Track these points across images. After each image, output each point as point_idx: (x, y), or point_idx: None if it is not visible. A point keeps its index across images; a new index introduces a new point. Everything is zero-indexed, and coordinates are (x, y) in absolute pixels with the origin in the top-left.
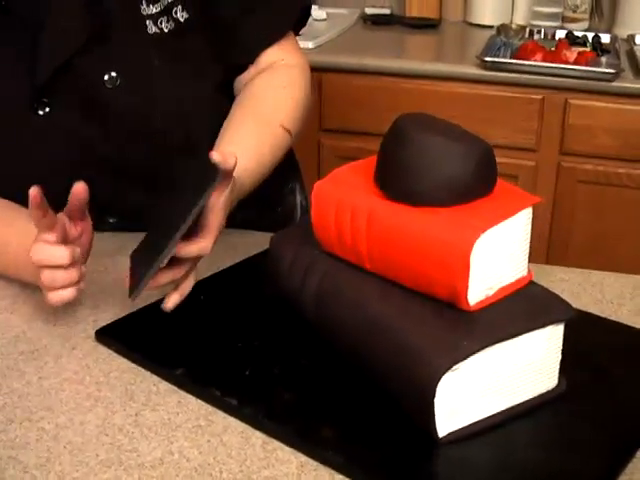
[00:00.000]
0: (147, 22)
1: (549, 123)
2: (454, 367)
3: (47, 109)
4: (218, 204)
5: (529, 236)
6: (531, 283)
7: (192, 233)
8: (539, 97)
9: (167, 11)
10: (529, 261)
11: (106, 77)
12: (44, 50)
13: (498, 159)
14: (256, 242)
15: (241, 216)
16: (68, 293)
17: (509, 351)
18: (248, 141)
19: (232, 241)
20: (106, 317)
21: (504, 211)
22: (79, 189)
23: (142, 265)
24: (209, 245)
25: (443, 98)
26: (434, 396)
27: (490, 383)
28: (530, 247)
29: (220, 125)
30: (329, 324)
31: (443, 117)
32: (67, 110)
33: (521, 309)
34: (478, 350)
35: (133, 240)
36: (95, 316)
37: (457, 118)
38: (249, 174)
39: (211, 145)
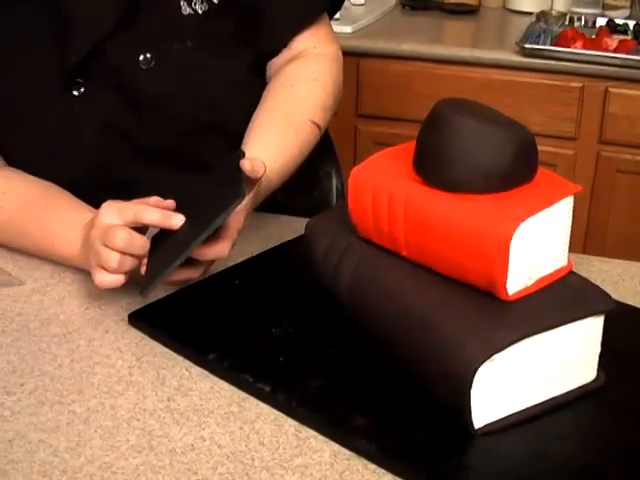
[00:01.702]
0: (182, 3)
1: (588, 111)
2: (491, 358)
3: (82, 89)
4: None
5: (570, 225)
6: (571, 273)
7: (211, 234)
8: (579, 85)
9: None
10: None
11: (141, 58)
12: (76, 32)
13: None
14: (290, 227)
15: (277, 200)
16: (120, 278)
17: (547, 343)
18: (276, 138)
19: (266, 226)
20: (139, 300)
21: (544, 200)
22: (167, 205)
23: (159, 259)
24: (226, 249)
25: (481, 85)
26: (470, 387)
27: (527, 375)
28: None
29: (252, 107)
30: (363, 311)
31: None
32: (101, 90)
33: (560, 300)
34: (515, 341)
35: None
36: (128, 299)
37: (495, 105)
38: (276, 172)
39: (243, 129)
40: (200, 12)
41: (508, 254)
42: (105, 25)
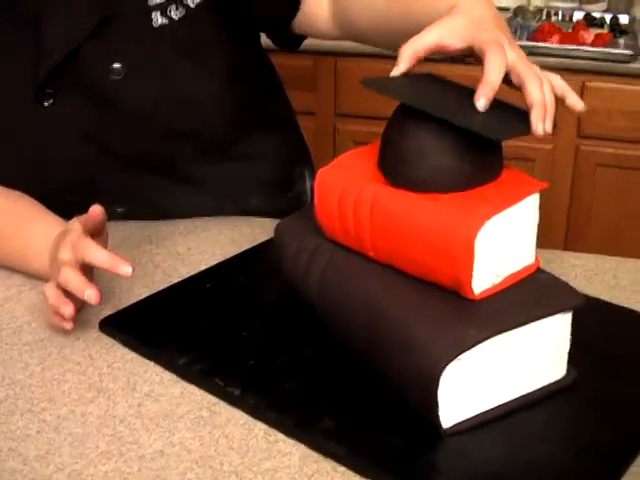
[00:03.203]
0: (153, 14)
1: (567, 106)
2: (458, 357)
3: (51, 100)
4: None
5: (536, 222)
6: (539, 270)
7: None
8: None
9: None
10: (547, 245)
11: (111, 68)
12: (47, 42)
13: (515, 142)
14: (264, 229)
15: (253, 202)
16: (68, 325)
17: (515, 340)
18: None
19: (239, 228)
20: (111, 307)
21: (509, 198)
22: (96, 212)
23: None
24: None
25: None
26: (437, 387)
27: (496, 373)
28: (549, 231)
29: (230, 114)
30: (333, 313)
31: None
32: (72, 101)
33: (528, 297)
34: (483, 340)
35: (140, 230)
36: (100, 306)
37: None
38: None
39: (219, 135)
40: (176, 19)
41: (473, 253)
42: (76, 37)
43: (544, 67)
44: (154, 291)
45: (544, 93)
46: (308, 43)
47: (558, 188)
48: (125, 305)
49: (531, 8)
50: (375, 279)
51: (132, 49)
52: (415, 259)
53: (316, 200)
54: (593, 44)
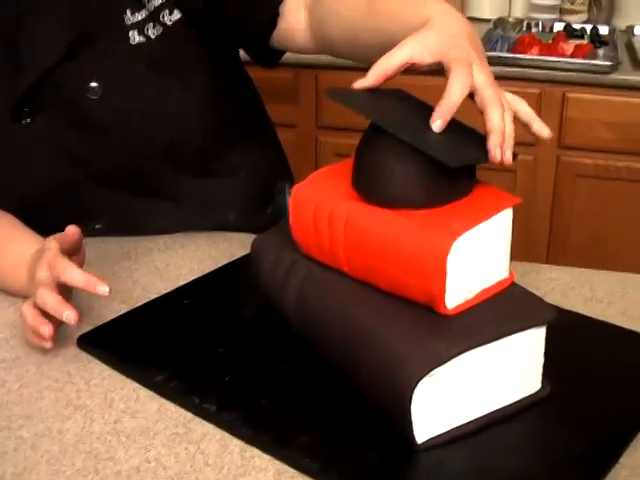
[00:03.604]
0: (130, 32)
1: (547, 117)
2: (431, 373)
3: (28, 119)
4: None
5: (510, 237)
6: (513, 285)
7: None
8: (536, 91)
9: (154, 16)
10: (529, 255)
11: (88, 87)
12: (24, 61)
13: None
14: (242, 244)
15: (231, 218)
16: (47, 344)
17: (489, 355)
18: None
19: (217, 244)
20: (89, 323)
21: (482, 213)
22: (72, 231)
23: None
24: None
25: (440, 94)
26: (410, 402)
27: (470, 388)
28: (531, 241)
29: (209, 129)
30: (310, 328)
31: None
32: (50, 119)
33: (501, 312)
34: (456, 355)
35: (119, 246)
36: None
37: (454, 114)
38: None
39: (196, 153)
40: (153, 37)
41: (445, 269)
42: (53, 56)
43: (523, 79)
44: (133, 307)
45: (504, 122)
46: (289, 55)
47: (539, 199)
48: (104, 321)
49: (511, 19)
50: (351, 294)
51: (109, 68)
52: (389, 275)
53: (291, 216)
54: (573, 55)
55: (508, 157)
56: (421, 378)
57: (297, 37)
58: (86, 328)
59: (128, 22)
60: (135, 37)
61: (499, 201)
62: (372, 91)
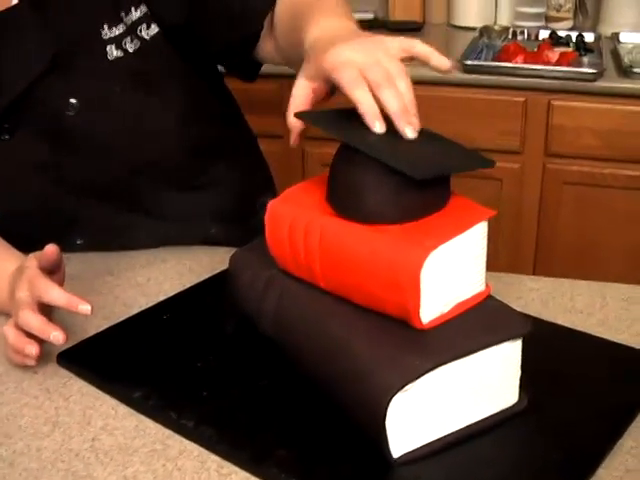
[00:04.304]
0: (108, 47)
1: (533, 125)
2: (405, 387)
3: (7, 136)
4: None
5: (485, 250)
6: (489, 298)
7: None
8: (522, 99)
9: (132, 30)
10: (516, 262)
11: (67, 103)
12: (2, 78)
13: None
14: (223, 258)
15: (213, 232)
16: (31, 362)
17: (464, 369)
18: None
19: (198, 259)
20: (71, 337)
21: (456, 227)
22: (51, 250)
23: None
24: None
25: (425, 102)
26: (385, 417)
27: (445, 402)
28: (518, 249)
29: (188, 144)
30: (288, 343)
31: (426, 122)
32: (30, 135)
33: (477, 325)
34: (430, 369)
35: (100, 261)
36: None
37: (439, 123)
38: None
39: (177, 166)
40: (131, 51)
41: (419, 283)
42: (32, 73)
43: (508, 87)
44: (114, 322)
45: (399, 98)
46: (273, 67)
47: (526, 206)
48: (85, 337)
49: (497, 27)
50: (327, 309)
51: (87, 84)
52: (364, 290)
53: (267, 232)
54: (558, 63)
55: (415, 123)
56: (395, 393)
57: (268, 47)
58: (66, 344)
59: (105, 37)
60: (113, 52)
61: (473, 214)
62: (341, 109)
